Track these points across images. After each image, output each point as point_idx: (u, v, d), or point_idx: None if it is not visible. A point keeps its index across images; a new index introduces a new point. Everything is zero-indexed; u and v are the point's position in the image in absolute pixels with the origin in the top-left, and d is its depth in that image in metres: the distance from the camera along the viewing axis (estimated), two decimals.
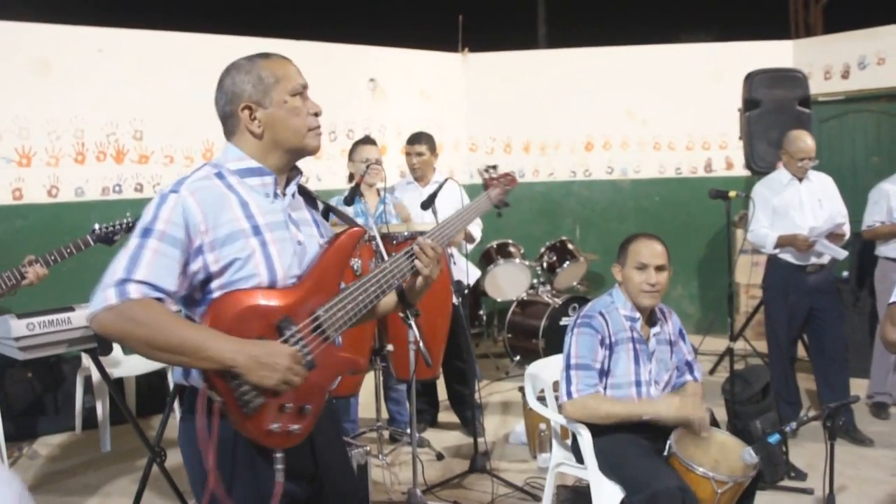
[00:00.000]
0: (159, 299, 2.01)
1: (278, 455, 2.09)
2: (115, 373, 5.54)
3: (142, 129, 6.65)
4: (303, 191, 2.40)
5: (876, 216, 5.80)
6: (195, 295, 2.14)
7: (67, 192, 6.37)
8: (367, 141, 5.44)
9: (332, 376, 2.24)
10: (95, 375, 5.61)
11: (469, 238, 5.78)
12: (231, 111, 2.22)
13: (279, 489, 2.08)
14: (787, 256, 5.33)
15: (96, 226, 4.37)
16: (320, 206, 2.48)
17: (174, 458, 4.08)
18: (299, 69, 2.27)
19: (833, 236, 5.21)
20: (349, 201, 4.66)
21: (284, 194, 2.27)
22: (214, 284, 2.10)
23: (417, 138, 5.76)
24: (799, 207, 5.31)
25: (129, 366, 5.94)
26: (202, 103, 6.63)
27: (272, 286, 2.13)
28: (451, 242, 5.38)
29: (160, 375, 6.25)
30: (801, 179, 5.35)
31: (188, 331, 1.98)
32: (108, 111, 6.50)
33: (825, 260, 5.29)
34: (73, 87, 6.33)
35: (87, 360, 5.74)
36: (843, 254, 5.28)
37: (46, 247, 4.48)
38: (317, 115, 2.24)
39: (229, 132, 2.26)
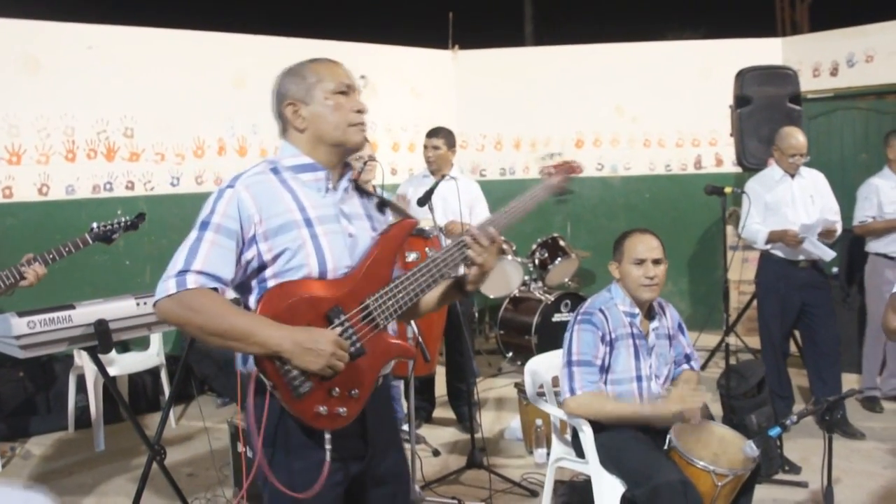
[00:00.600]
0: (215, 288, 2.15)
1: (327, 436, 2.19)
2: (108, 371, 5.50)
3: (132, 127, 6.62)
4: (357, 186, 2.50)
5: (867, 211, 5.84)
6: (250, 283, 2.28)
7: (58, 190, 6.33)
8: None
9: (381, 362, 2.32)
10: (89, 374, 5.59)
11: None
12: (279, 111, 2.36)
13: (327, 469, 2.18)
14: (779, 252, 5.37)
15: (94, 224, 4.36)
16: (375, 200, 2.55)
17: (173, 455, 4.09)
18: (348, 71, 2.38)
19: (825, 232, 5.24)
20: None
21: (336, 189, 2.37)
22: (268, 273, 2.23)
23: (436, 132, 5.82)
24: (791, 204, 5.35)
25: (122, 364, 5.93)
26: (193, 101, 6.76)
27: (322, 276, 2.24)
28: (448, 233, 5.46)
29: (153, 374, 6.26)
30: (793, 176, 5.39)
31: (239, 318, 2.11)
32: (99, 109, 6.47)
33: (814, 257, 5.33)
34: (63, 85, 6.29)
35: (79, 359, 5.71)
36: (830, 254, 5.30)
37: (38, 245, 4.46)
38: (360, 111, 2.33)
39: (283, 130, 2.39)
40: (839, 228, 5.41)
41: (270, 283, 2.22)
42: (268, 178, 2.27)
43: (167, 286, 2.11)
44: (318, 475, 2.18)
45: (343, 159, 2.39)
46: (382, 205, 2.57)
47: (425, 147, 5.82)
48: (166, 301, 2.12)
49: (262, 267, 2.23)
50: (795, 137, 5.32)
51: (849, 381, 6.29)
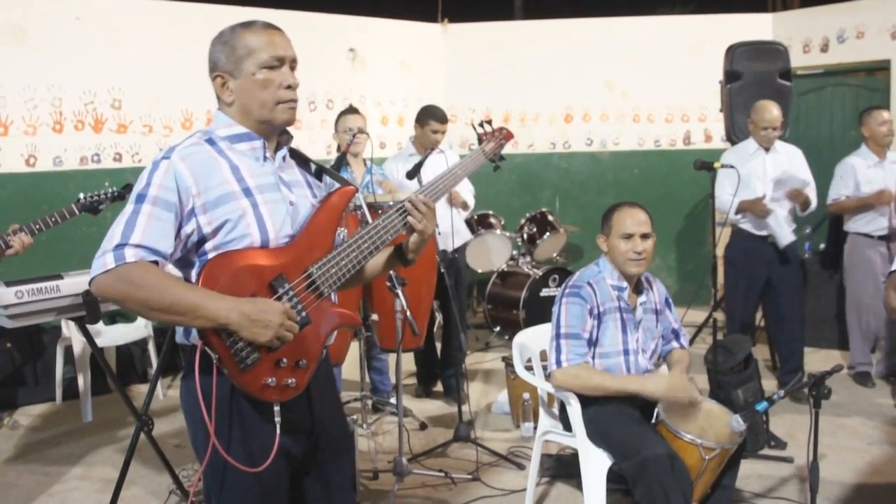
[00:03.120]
0: (155, 262, 2.07)
1: (276, 408, 2.16)
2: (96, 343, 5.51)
3: (120, 99, 6.57)
4: (295, 154, 2.44)
5: (842, 190, 5.87)
6: (190, 257, 2.20)
7: (45, 162, 6.29)
8: (352, 111, 5.46)
9: (327, 331, 2.29)
10: (76, 345, 5.58)
11: (463, 205, 5.81)
12: (211, 79, 2.28)
13: (277, 441, 2.15)
14: (749, 226, 5.41)
15: (81, 195, 4.33)
16: (313, 167, 2.51)
17: (160, 427, 4.09)
18: (286, 40, 2.26)
19: (796, 195, 5.29)
20: (335, 170, 4.65)
21: (274, 157, 2.32)
22: (208, 246, 2.16)
23: (445, 116, 5.81)
24: (762, 177, 5.39)
25: (109, 336, 5.92)
26: (181, 72, 6.71)
27: (265, 246, 2.19)
28: (452, 202, 5.54)
29: (140, 346, 6.25)
30: (767, 150, 5.41)
31: (183, 291, 2.03)
32: (86, 80, 6.41)
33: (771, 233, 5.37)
34: (50, 56, 6.23)
35: (66, 330, 5.70)
36: (788, 238, 5.34)
37: (24, 216, 4.42)
38: (290, 87, 2.24)
39: (217, 99, 2.30)
40: (813, 200, 5.44)
41: (211, 256, 2.15)
42: (203, 149, 2.19)
43: (104, 261, 2.03)
44: (269, 448, 2.14)
45: (277, 131, 2.32)
46: (321, 172, 2.54)
47: (435, 131, 5.75)
48: (104, 277, 2.03)
49: (203, 240, 2.16)
50: (769, 111, 5.34)
51: (836, 357, 6.36)
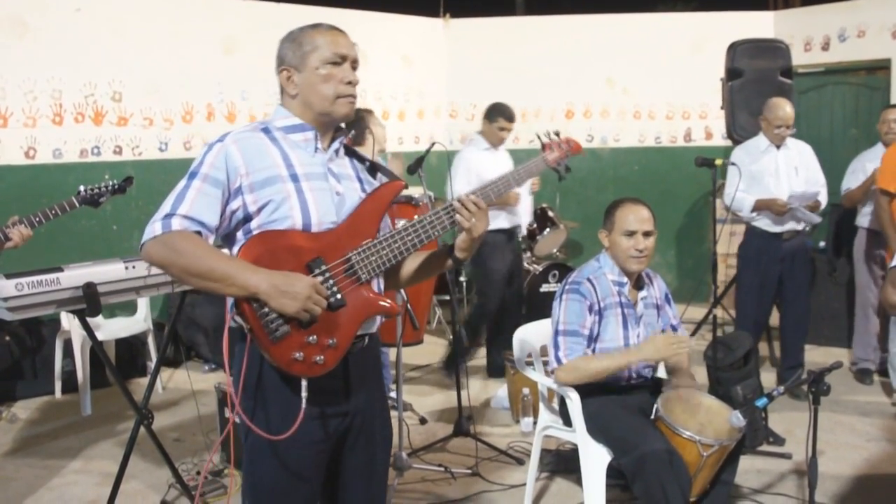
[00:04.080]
0: (199, 232, 2.21)
1: (304, 383, 2.22)
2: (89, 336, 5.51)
3: (121, 91, 6.56)
4: (350, 151, 2.54)
5: (852, 184, 5.91)
6: (235, 234, 2.32)
7: (45, 154, 6.28)
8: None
9: (362, 316, 2.32)
10: (75, 339, 5.58)
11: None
12: (278, 73, 2.40)
13: (302, 413, 2.21)
14: (763, 224, 5.42)
15: (82, 188, 4.31)
16: (367, 164, 2.58)
17: (160, 420, 4.09)
18: (349, 41, 2.38)
19: (815, 207, 5.31)
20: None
21: (326, 150, 2.41)
22: (253, 224, 2.28)
23: (514, 117, 6.25)
24: (774, 174, 5.39)
25: (109, 329, 5.92)
26: (182, 65, 6.71)
27: (307, 230, 2.28)
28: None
29: (140, 340, 6.25)
30: (778, 147, 5.41)
31: (220, 261, 2.17)
32: (87, 72, 6.40)
33: (800, 227, 5.38)
34: (50, 48, 6.22)
35: (66, 324, 5.70)
36: (816, 219, 5.39)
37: (24, 209, 4.41)
38: (350, 83, 2.34)
39: (281, 93, 2.43)
40: (824, 201, 5.46)
41: (255, 234, 2.27)
42: (257, 136, 2.33)
43: (153, 228, 2.18)
44: (294, 422, 2.21)
45: (333, 125, 2.43)
46: (374, 169, 2.59)
47: (502, 129, 6.13)
48: (151, 242, 2.18)
49: (248, 218, 2.27)
50: (783, 108, 5.34)
51: (837, 354, 6.36)
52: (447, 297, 7.23)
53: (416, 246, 2.37)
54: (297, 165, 2.31)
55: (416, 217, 2.39)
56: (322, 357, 2.23)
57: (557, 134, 2.94)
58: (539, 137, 2.94)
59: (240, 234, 2.30)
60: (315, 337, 2.21)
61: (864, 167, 5.88)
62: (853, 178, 5.94)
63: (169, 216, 2.18)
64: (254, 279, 2.13)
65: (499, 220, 5.95)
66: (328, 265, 2.25)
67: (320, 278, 2.22)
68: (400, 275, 2.56)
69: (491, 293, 6.16)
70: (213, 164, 2.24)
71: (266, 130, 2.35)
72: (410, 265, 2.56)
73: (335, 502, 2.51)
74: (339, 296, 2.25)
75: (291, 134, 2.37)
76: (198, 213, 2.20)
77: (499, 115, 6.07)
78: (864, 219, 5.95)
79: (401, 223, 2.39)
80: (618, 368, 3.48)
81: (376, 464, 2.54)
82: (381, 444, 2.55)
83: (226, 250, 2.35)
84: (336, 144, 2.43)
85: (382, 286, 2.45)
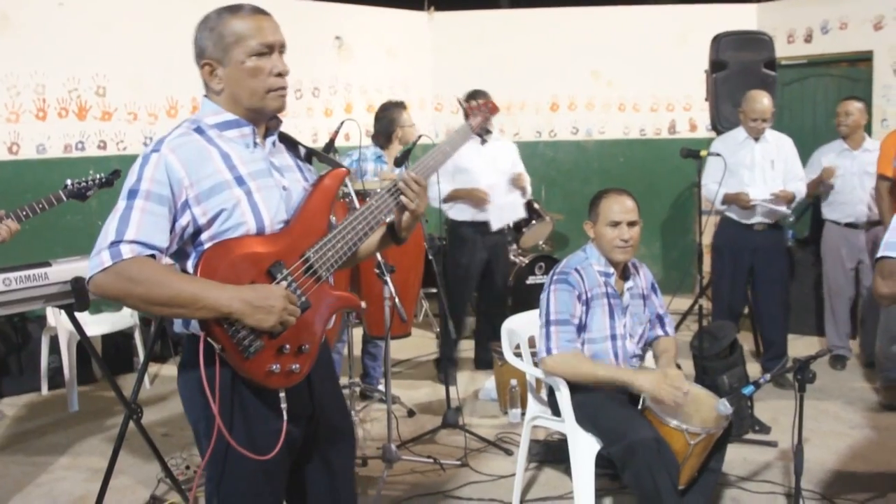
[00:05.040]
0: (152, 256, 2.05)
1: (282, 395, 2.18)
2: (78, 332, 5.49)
3: (105, 86, 6.53)
4: (284, 138, 2.43)
5: (809, 177, 5.98)
6: (186, 248, 2.19)
7: (29, 149, 6.25)
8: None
9: (327, 315, 2.31)
10: (62, 334, 5.56)
11: (523, 190, 6.14)
12: (199, 67, 2.24)
13: (285, 428, 2.17)
14: (734, 215, 5.49)
15: (69, 181, 4.30)
16: (302, 151, 2.50)
17: (148, 415, 4.09)
18: (274, 25, 2.23)
19: (783, 197, 5.39)
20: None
21: (264, 143, 2.30)
22: (204, 236, 2.15)
23: (479, 94, 5.80)
24: (749, 167, 5.45)
25: (94, 325, 5.89)
26: (166, 59, 6.68)
27: (260, 233, 2.18)
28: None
29: (126, 335, 6.23)
30: (756, 139, 5.46)
31: (183, 283, 2.03)
32: (70, 66, 6.37)
33: (771, 219, 5.46)
34: (33, 42, 6.18)
35: (52, 319, 5.68)
36: (786, 211, 5.47)
37: (8, 204, 4.38)
38: (280, 75, 2.22)
39: (204, 86, 2.28)
40: (801, 192, 5.54)
41: (207, 247, 2.13)
42: (193, 139, 2.16)
43: (101, 259, 2.01)
44: (276, 435, 2.16)
45: (266, 118, 2.30)
46: (310, 155, 2.53)
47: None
48: (101, 275, 2.01)
49: (198, 231, 2.14)
50: (759, 101, 5.39)
51: (816, 343, 6.43)
52: (434, 291, 7.25)
53: (368, 234, 2.35)
54: (240, 165, 2.19)
55: (364, 204, 2.38)
56: (297, 365, 2.19)
57: (475, 96, 2.99)
58: (461, 103, 3.00)
59: (190, 249, 2.18)
60: (288, 346, 2.16)
61: (819, 161, 6.03)
62: (810, 171, 6.00)
63: (116, 243, 2.01)
64: (224, 298, 2.01)
65: (464, 213, 5.93)
66: (288, 268, 2.18)
67: (284, 283, 2.15)
68: (350, 260, 2.49)
69: (452, 285, 6.06)
70: (154, 178, 2.07)
71: (199, 130, 2.19)
72: (361, 249, 2.50)
73: (301, 498, 2.46)
74: (304, 298, 2.19)
75: (226, 131, 2.22)
76: (147, 236, 2.03)
77: (468, 100, 6.01)
78: (825, 211, 6.05)
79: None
80: (606, 380, 3.49)
81: (340, 456, 2.50)
82: (342, 436, 2.52)
83: (176, 266, 2.24)
84: (273, 136, 2.33)
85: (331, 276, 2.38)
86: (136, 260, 2.01)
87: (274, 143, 2.34)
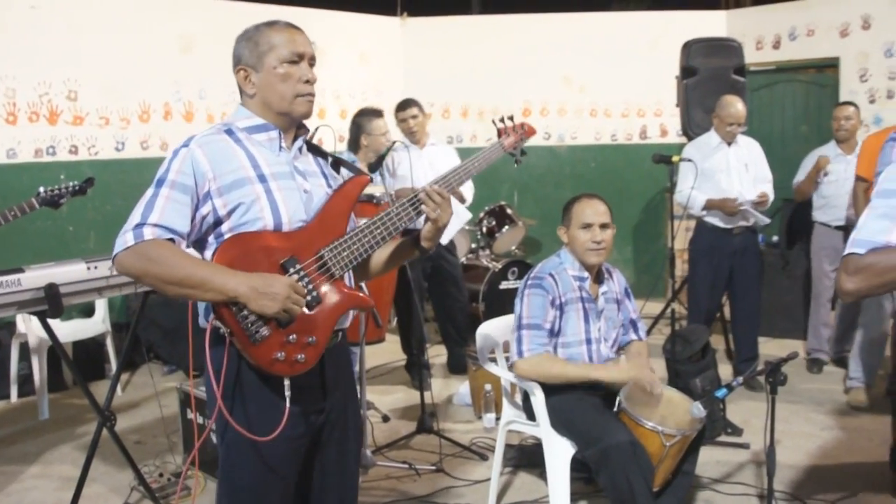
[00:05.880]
0: (171, 240, 2.20)
1: (287, 382, 2.24)
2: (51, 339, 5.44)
3: (76, 90, 6.47)
4: (312, 147, 2.57)
5: (800, 176, 6.07)
6: (207, 238, 2.33)
7: None
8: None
9: (338, 311, 2.35)
10: (32, 341, 5.51)
11: (459, 197, 5.91)
12: (235, 73, 2.41)
13: (286, 414, 2.24)
14: (714, 220, 5.54)
15: (41, 188, 4.27)
16: (330, 159, 2.62)
17: (119, 423, 4.05)
18: (305, 39, 2.39)
19: (758, 201, 5.44)
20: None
21: (290, 148, 2.43)
22: (223, 228, 2.29)
23: (407, 103, 5.96)
24: (725, 171, 5.51)
25: (65, 332, 5.82)
26: (138, 63, 6.65)
27: (278, 229, 2.30)
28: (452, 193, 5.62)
29: (97, 342, 6.18)
30: (729, 144, 5.53)
31: (196, 266, 2.16)
32: (41, 70, 6.30)
33: (750, 222, 5.52)
34: (4, 46, 6.11)
35: (22, 326, 5.62)
36: (766, 220, 5.54)
37: None
38: (308, 82, 2.36)
39: (240, 93, 2.44)
40: (770, 196, 5.59)
41: (227, 237, 2.27)
42: (222, 138, 2.33)
43: (125, 239, 2.16)
44: (278, 421, 2.23)
45: (295, 123, 2.44)
46: (337, 164, 2.63)
47: (403, 120, 5.92)
48: (125, 253, 2.16)
49: (218, 222, 2.28)
50: (734, 106, 5.46)
51: (791, 346, 6.46)
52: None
53: (385, 239, 2.41)
54: (264, 165, 2.32)
55: (384, 211, 2.42)
56: (303, 355, 2.25)
57: (511, 119, 3.01)
58: (494, 123, 3.01)
59: (211, 239, 2.31)
60: (295, 336, 2.23)
61: (814, 161, 6.01)
62: (803, 173, 6.08)
63: (140, 226, 2.17)
64: (232, 282, 2.13)
65: None
66: (302, 264, 2.27)
67: (295, 277, 2.24)
68: (369, 267, 2.60)
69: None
70: (181, 170, 2.24)
71: (229, 132, 2.36)
72: (378, 257, 2.58)
73: (309, 497, 2.52)
74: (314, 293, 2.27)
75: (255, 134, 2.37)
76: (169, 220, 2.19)
77: (396, 110, 6.00)
78: (816, 213, 6.08)
79: (362, 221, 2.42)
80: (577, 378, 3.53)
81: (349, 457, 2.57)
82: (353, 438, 2.59)
83: (198, 255, 2.35)
84: (299, 142, 2.46)
85: (353, 279, 2.47)
86: (156, 242, 2.16)
87: (301, 150, 2.47)
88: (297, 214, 2.33)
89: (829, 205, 5.95)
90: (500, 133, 2.98)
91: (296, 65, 2.34)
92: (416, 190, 2.49)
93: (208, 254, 2.31)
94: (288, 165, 2.39)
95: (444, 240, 5.83)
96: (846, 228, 5.88)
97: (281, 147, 2.40)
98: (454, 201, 5.80)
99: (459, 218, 5.99)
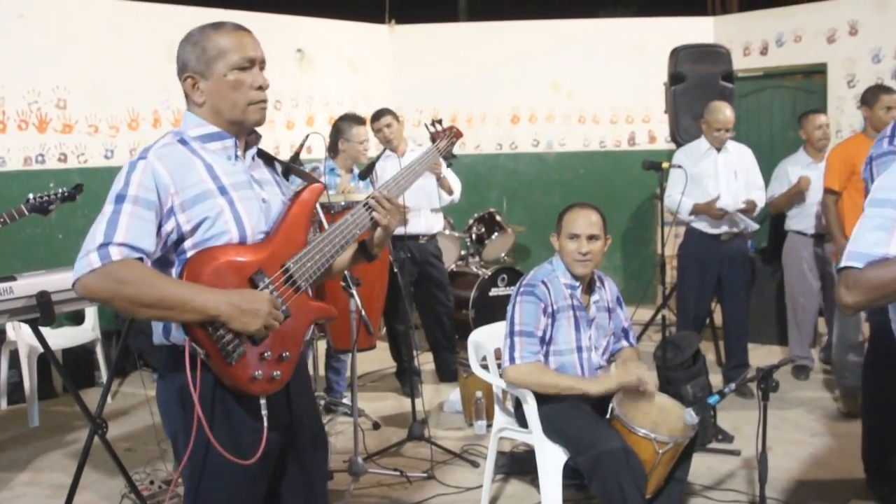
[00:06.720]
0: (139, 259, 2.09)
1: (262, 401, 2.20)
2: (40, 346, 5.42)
3: (65, 98, 6.45)
4: (262, 154, 2.49)
5: (776, 190, 6.05)
6: (169, 256, 2.23)
7: None
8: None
9: (306, 324, 2.35)
10: (22, 348, 5.48)
11: (448, 189, 5.90)
12: (181, 80, 2.30)
13: (265, 435, 2.19)
14: (702, 226, 5.56)
15: (31, 195, 4.26)
16: (279, 167, 2.56)
17: (110, 431, 4.04)
18: (255, 41, 2.30)
19: (747, 207, 5.47)
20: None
21: (245, 157, 2.35)
22: (187, 244, 2.19)
23: (381, 113, 5.89)
24: (714, 177, 5.54)
25: (55, 340, 5.79)
26: (127, 71, 6.62)
27: (242, 242, 2.23)
28: (441, 184, 5.78)
29: (86, 349, 6.15)
30: (718, 150, 5.55)
31: (172, 286, 2.08)
32: (30, 79, 6.28)
33: (738, 228, 5.54)
34: None
35: (12, 333, 5.60)
36: (754, 226, 5.55)
37: None
38: (261, 88, 2.28)
39: (186, 100, 2.33)
40: (761, 202, 5.65)
41: (190, 255, 2.17)
42: (177, 149, 2.22)
43: (89, 261, 2.03)
44: (255, 442, 2.18)
45: (246, 131, 2.36)
46: (287, 171, 2.61)
47: (378, 130, 5.83)
48: (90, 277, 2.03)
49: (181, 239, 2.19)
50: (723, 112, 5.48)
51: (779, 352, 6.52)
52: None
53: (344, 247, 2.41)
54: (223, 176, 2.24)
55: (340, 219, 2.42)
56: (279, 371, 2.23)
57: (441, 122, 3.09)
58: (427, 128, 3.10)
59: (174, 257, 2.22)
60: (270, 352, 2.20)
61: (786, 172, 6.02)
62: (776, 185, 6.06)
63: (104, 245, 2.04)
64: (212, 301, 2.05)
65: None
66: (270, 277, 2.21)
67: (267, 291, 2.18)
68: (329, 273, 2.57)
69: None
70: (142, 184, 2.12)
71: (183, 141, 2.25)
72: (338, 264, 2.56)
73: None
74: (284, 307, 2.22)
75: (209, 143, 2.27)
76: (135, 239, 2.07)
77: (371, 121, 5.93)
78: (789, 222, 6.11)
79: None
80: (567, 389, 3.53)
81: (315, 468, 2.54)
82: (318, 448, 2.56)
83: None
84: (253, 150, 2.39)
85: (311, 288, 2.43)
86: (125, 262, 2.05)
87: (253, 157, 2.40)
88: (258, 226, 2.27)
89: (804, 213, 5.96)
90: (433, 138, 3.07)
91: (247, 71, 2.25)
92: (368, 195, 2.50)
93: (173, 272, 2.21)
94: (245, 175, 2.31)
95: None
96: (821, 236, 5.91)
97: (237, 156, 2.31)
98: (429, 208, 5.83)
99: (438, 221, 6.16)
